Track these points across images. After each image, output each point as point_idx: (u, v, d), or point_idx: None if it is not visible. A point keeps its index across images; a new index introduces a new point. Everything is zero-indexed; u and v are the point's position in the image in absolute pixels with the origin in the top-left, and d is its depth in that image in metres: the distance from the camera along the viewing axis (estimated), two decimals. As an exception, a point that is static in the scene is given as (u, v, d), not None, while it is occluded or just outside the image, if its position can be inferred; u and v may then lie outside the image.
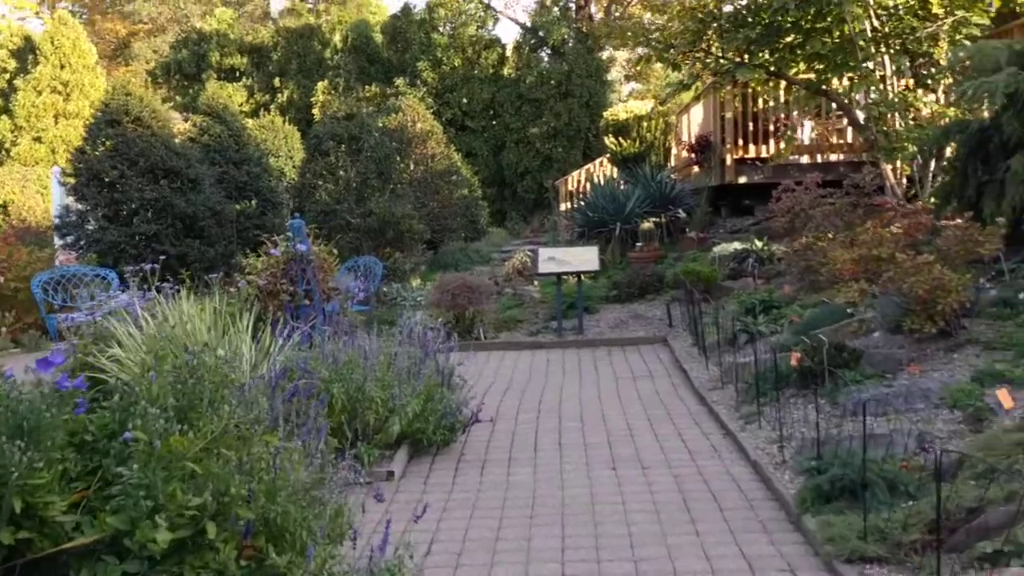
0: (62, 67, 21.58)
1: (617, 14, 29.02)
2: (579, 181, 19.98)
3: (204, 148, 16.42)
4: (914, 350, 5.99)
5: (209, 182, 14.38)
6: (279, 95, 28.79)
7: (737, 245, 11.57)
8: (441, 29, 27.62)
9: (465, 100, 26.49)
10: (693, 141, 15.06)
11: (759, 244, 11.20)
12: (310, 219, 12.81)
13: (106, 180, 12.69)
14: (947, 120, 9.72)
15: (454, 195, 17.41)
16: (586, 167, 20.48)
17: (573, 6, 29.24)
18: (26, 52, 23.83)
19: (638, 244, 13.25)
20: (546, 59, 27.65)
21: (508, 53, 27.89)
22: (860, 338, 6.63)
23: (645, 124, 18.56)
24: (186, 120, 21.24)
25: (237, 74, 29.98)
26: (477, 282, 10.76)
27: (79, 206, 12.74)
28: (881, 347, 6.25)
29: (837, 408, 5.51)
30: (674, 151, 18.10)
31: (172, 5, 43.98)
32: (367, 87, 27.01)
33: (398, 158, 14.94)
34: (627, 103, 20.63)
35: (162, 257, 8.07)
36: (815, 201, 8.64)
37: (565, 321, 10.47)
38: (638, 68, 34.41)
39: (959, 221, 7.40)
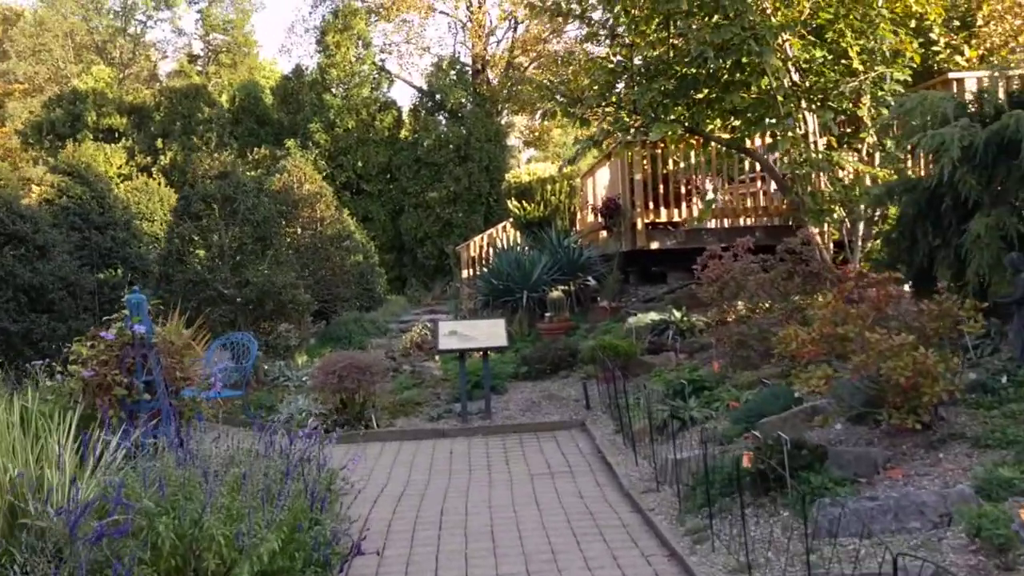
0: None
1: (514, 79, 28.62)
2: (481, 247, 18.95)
3: (63, 211, 14.73)
4: (887, 447, 5.01)
5: (64, 249, 12.72)
6: (161, 157, 26.99)
7: (654, 316, 10.64)
8: (334, 90, 26.51)
9: (360, 163, 25.35)
10: (600, 204, 14.24)
11: (678, 315, 10.29)
12: (178, 290, 11.30)
13: (-67, 247, 10.99)
14: (873, 181, 9.12)
15: (347, 261, 16.09)
16: (488, 232, 19.47)
17: (470, 70, 28.68)
18: None
19: (547, 314, 12.20)
20: (444, 123, 26.89)
21: (405, 116, 27.02)
22: (816, 430, 5.65)
23: (549, 187, 17.76)
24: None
25: (116, 135, 28.03)
26: (368, 361, 9.44)
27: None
28: (845, 442, 5.27)
29: (807, 523, 4.45)
30: (579, 215, 17.30)
31: (50, 65, 41.65)
32: (256, 149, 25.59)
33: (282, 222, 13.58)
34: (530, 165, 19.84)
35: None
36: (746, 268, 7.74)
37: (471, 403, 9.25)
38: (538, 132, 34.15)
39: (904, 289, 6.62)
